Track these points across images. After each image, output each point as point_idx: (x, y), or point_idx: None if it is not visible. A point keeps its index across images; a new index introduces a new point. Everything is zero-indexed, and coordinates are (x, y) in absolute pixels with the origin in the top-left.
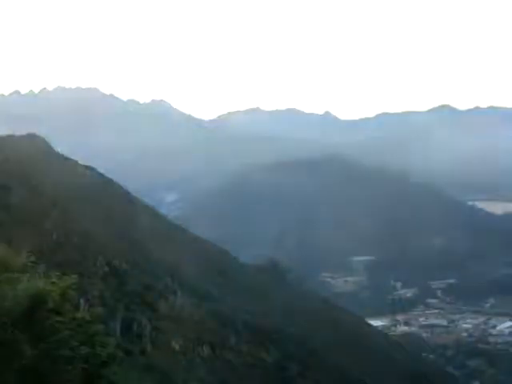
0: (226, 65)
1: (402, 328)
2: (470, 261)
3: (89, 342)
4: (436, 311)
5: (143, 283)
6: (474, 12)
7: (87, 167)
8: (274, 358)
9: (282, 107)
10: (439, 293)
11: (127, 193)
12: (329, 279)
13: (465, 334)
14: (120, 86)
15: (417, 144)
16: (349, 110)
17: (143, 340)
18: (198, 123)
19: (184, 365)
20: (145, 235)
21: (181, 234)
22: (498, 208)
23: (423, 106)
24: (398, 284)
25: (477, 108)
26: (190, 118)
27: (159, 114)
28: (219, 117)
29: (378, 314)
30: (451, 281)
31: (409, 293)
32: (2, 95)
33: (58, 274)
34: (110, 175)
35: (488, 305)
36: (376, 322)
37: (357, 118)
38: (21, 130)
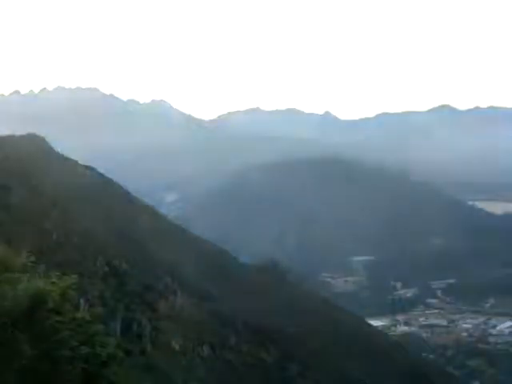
0: (226, 65)
1: (402, 328)
2: (470, 261)
3: (89, 342)
4: (436, 311)
5: (143, 283)
6: (473, 12)
7: (87, 167)
8: (274, 358)
9: (282, 107)
10: (439, 293)
11: (127, 193)
12: (329, 279)
13: (465, 334)
14: (120, 85)
15: (417, 144)
16: (349, 110)
17: (143, 340)
18: (198, 123)
19: (184, 365)
20: (145, 235)
21: (181, 234)
22: (497, 208)
23: (423, 106)
24: (398, 284)
25: (477, 108)
26: (189, 117)
27: (159, 114)
28: (219, 117)
29: (377, 314)
30: (451, 281)
31: (409, 293)
32: (2, 95)
33: (58, 274)
34: (109, 175)
35: (488, 305)
36: (376, 322)
37: (357, 117)
38: (21, 130)
